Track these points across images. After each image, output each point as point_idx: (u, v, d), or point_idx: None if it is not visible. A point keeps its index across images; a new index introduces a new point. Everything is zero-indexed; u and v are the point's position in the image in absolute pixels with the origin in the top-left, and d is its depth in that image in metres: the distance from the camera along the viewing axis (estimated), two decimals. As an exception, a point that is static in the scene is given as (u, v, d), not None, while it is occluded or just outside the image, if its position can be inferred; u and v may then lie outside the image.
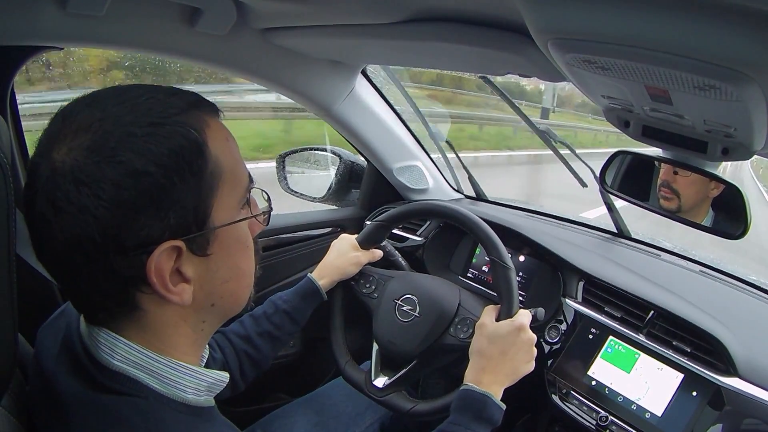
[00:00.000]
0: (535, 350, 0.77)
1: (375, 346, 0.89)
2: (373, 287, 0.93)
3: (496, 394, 0.72)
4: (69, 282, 0.42)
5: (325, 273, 0.91)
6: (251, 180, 0.49)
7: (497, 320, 0.78)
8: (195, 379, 0.46)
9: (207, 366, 0.53)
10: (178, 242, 0.41)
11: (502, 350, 0.75)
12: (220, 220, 0.44)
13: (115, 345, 0.43)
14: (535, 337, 0.77)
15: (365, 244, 0.95)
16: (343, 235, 0.97)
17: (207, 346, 0.56)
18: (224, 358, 0.81)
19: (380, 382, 0.86)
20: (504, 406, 0.72)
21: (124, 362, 0.43)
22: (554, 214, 1.26)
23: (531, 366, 0.77)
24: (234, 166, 0.45)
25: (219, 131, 0.44)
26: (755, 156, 0.66)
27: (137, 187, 0.39)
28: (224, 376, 0.50)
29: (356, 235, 0.97)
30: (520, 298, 0.97)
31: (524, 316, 0.78)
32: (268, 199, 0.54)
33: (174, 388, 0.45)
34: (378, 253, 0.97)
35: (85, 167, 0.38)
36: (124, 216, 0.39)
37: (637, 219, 1.29)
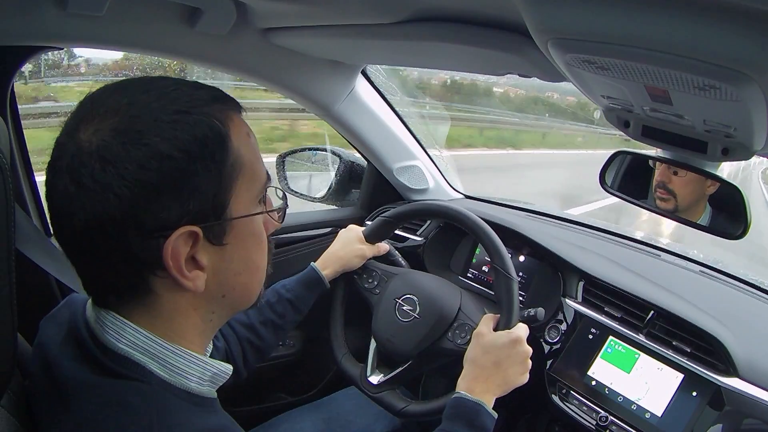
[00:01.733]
0: (530, 363, 0.77)
1: (373, 343, 0.89)
2: (376, 283, 0.93)
3: (488, 402, 0.72)
4: (85, 261, 0.43)
5: (329, 263, 0.91)
6: (269, 178, 0.50)
7: (495, 330, 0.78)
8: (200, 368, 0.47)
9: (210, 355, 0.53)
10: (195, 228, 0.42)
11: (496, 361, 0.75)
12: (238, 212, 0.45)
13: (122, 329, 0.43)
14: (530, 350, 0.77)
15: (371, 237, 0.95)
16: (351, 226, 0.97)
17: None
18: (227, 346, 0.81)
19: (375, 378, 0.86)
20: (496, 415, 0.72)
21: (130, 346, 0.43)
22: (555, 214, 1.26)
23: (524, 378, 0.77)
24: (254, 161, 0.46)
25: (241, 126, 0.46)
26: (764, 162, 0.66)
27: (161, 170, 0.40)
28: (228, 368, 0.50)
29: (363, 228, 0.97)
30: (520, 298, 0.97)
31: (521, 329, 0.78)
32: (284, 197, 0.55)
33: (178, 375, 0.45)
34: (383, 248, 0.97)
35: (111, 147, 0.39)
36: (145, 197, 0.40)
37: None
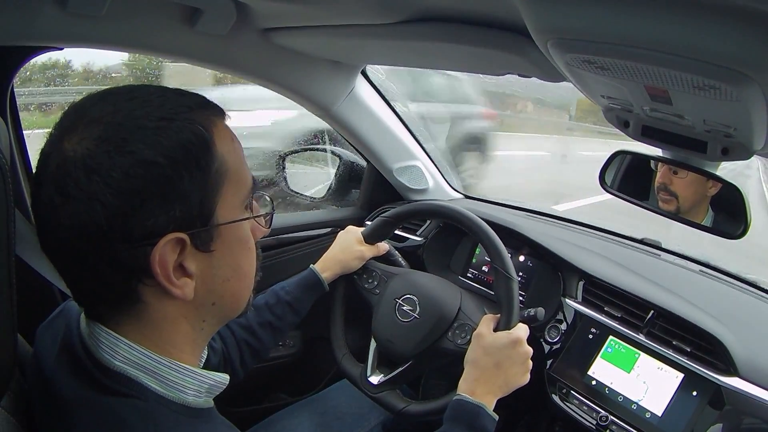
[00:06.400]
0: (531, 363, 0.77)
1: (373, 343, 0.89)
2: (376, 283, 0.93)
3: (489, 404, 0.72)
4: (72, 272, 0.43)
5: (328, 266, 0.92)
6: (255, 183, 0.49)
7: (495, 330, 0.78)
8: (196, 381, 0.46)
9: (207, 358, 0.53)
10: (182, 235, 0.42)
11: (496, 362, 0.75)
12: (224, 218, 0.45)
13: (116, 345, 0.43)
14: (531, 350, 0.77)
15: (370, 238, 0.95)
16: (350, 228, 0.97)
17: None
18: (225, 348, 0.81)
19: (375, 379, 0.86)
20: (497, 417, 0.72)
21: (125, 362, 0.43)
22: (555, 214, 1.26)
23: (525, 379, 0.77)
24: (239, 167, 0.46)
25: (225, 132, 0.46)
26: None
27: (146, 177, 0.39)
28: (224, 378, 0.50)
29: (362, 229, 0.97)
30: (520, 298, 0.97)
31: (522, 330, 0.78)
32: (271, 203, 0.55)
33: (174, 389, 0.45)
34: (383, 248, 0.97)
35: (96, 156, 0.39)
36: (131, 205, 0.39)
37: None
